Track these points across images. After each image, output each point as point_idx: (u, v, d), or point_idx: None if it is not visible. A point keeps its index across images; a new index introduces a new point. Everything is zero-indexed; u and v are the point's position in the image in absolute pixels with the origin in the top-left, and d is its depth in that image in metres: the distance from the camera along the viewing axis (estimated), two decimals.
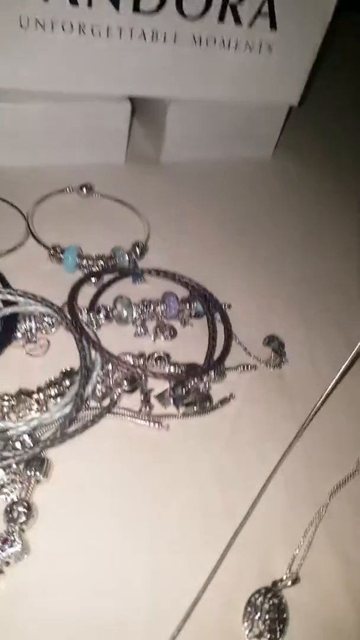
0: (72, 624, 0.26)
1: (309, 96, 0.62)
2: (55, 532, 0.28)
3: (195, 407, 0.36)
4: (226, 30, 0.49)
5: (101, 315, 0.38)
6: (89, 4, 0.44)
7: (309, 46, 0.53)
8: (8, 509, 0.28)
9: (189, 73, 0.51)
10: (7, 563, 0.27)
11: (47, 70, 0.46)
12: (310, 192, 0.63)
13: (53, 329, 0.37)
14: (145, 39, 0.47)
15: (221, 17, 0.48)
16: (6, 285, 0.38)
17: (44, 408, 0.32)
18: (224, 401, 0.37)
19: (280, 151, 0.66)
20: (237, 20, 0.48)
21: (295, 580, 0.29)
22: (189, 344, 0.40)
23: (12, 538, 0.27)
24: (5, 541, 0.27)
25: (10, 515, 0.28)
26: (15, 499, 0.28)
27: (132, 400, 0.35)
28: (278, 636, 0.27)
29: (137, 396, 0.35)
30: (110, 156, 0.55)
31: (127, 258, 0.44)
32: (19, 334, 0.36)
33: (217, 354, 0.39)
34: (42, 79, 0.47)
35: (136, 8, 0.45)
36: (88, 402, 0.34)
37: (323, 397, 0.38)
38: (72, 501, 0.30)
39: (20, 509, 0.28)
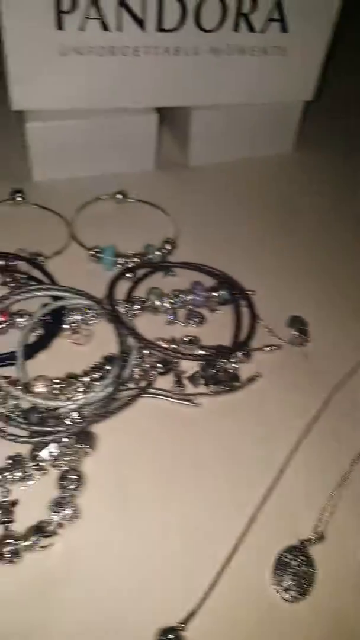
0: (116, 580, 0.27)
1: (327, 89, 0.60)
2: (103, 499, 0.30)
3: (224, 386, 0.36)
4: (241, 38, 0.48)
5: (136, 306, 0.39)
6: (119, 28, 0.44)
7: (319, 43, 0.51)
8: (61, 476, 0.29)
9: (209, 81, 0.51)
10: (61, 525, 0.28)
11: (84, 90, 0.48)
12: (330, 182, 0.61)
13: (95, 320, 0.38)
14: (168, 54, 0.47)
15: (236, 28, 0.47)
16: (54, 283, 0.40)
17: (89, 389, 0.33)
18: (251, 379, 0.37)
19: (302, 145, 0.64)
20: (251, 28, 0.48)
21: (320, 538, 0.29)
22: (217, 329, 0.40)
23: (66, 502, 0.28)
24: (59, 505, 0.28)
25: (63, 483, 0.29)
26: (67, 469, 0.30)
27: (166, 381, 0.36)
28: (306, 590, 0.27)
29: (170, 378, 0.36)
30: (141, 164, 0.56)
31: (158, 254, 0.44)
32: (66, 326, 0.37)
33: (243, 336, 0.39)
34: (80, 98, 0.48)
35: (160, 28, 0.45)
36: (127, 384, 0.34)
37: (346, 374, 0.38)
38: (116, 470, 0.31)
39: (72, 476, 0.29)
